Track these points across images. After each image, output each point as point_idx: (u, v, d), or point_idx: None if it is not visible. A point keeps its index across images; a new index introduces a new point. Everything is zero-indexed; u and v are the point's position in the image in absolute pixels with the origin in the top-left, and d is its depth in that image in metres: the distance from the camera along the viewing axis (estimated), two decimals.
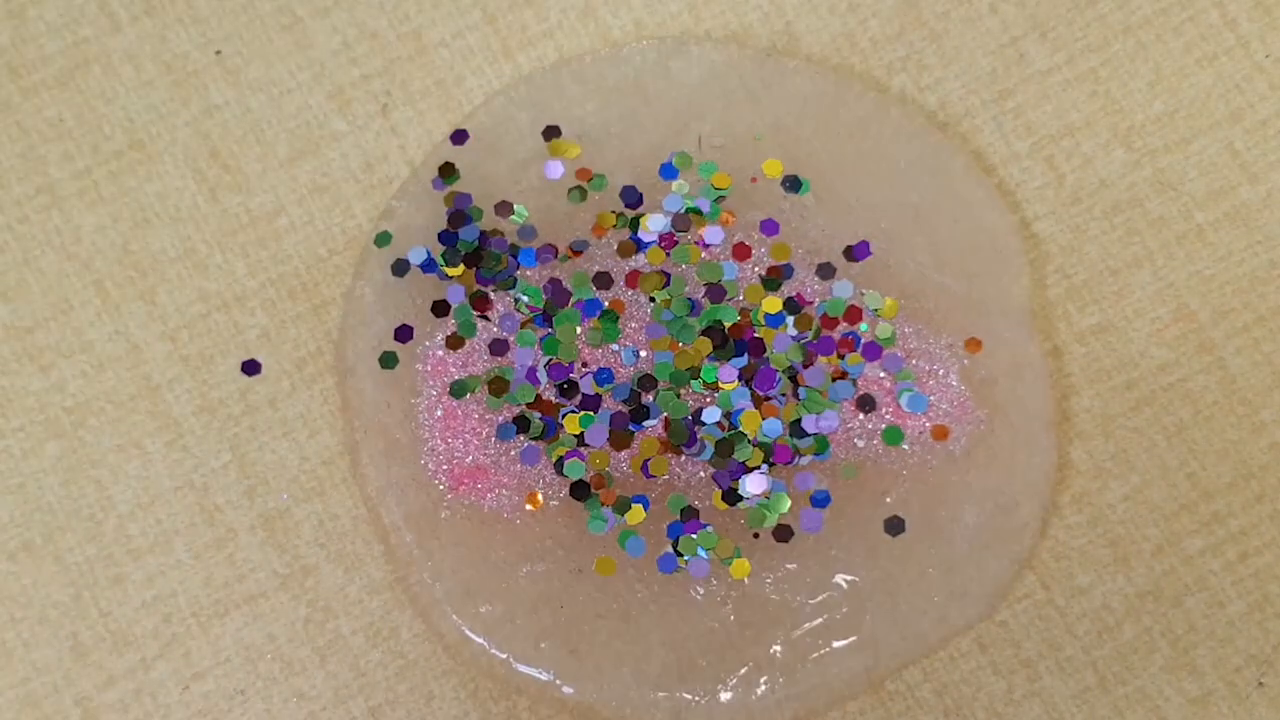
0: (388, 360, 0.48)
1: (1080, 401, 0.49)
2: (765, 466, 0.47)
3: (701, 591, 0.46)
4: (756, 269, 0.49)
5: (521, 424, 0.47)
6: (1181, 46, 0.51)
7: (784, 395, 0.47)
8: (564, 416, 0.47)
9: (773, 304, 0.48)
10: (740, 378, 0.47)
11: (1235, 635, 0.47)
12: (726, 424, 0.47)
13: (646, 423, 0.47)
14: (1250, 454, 0.49)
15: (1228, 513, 0.48)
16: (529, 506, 0.47)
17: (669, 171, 0.50)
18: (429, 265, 0.49)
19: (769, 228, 0.49)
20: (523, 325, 0.48)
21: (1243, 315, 0.50)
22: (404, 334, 0.49)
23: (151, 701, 0.48)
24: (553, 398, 0.48)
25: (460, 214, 0.49)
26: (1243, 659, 0.47)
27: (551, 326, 0.48)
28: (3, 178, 0.51)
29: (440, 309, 0.49)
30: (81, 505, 0.49)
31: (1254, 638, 0.47)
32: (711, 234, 0.49)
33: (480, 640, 0.46)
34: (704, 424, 0.47)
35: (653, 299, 0.48)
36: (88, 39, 0.52)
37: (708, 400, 0.47)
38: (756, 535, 0.47)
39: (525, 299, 0.49)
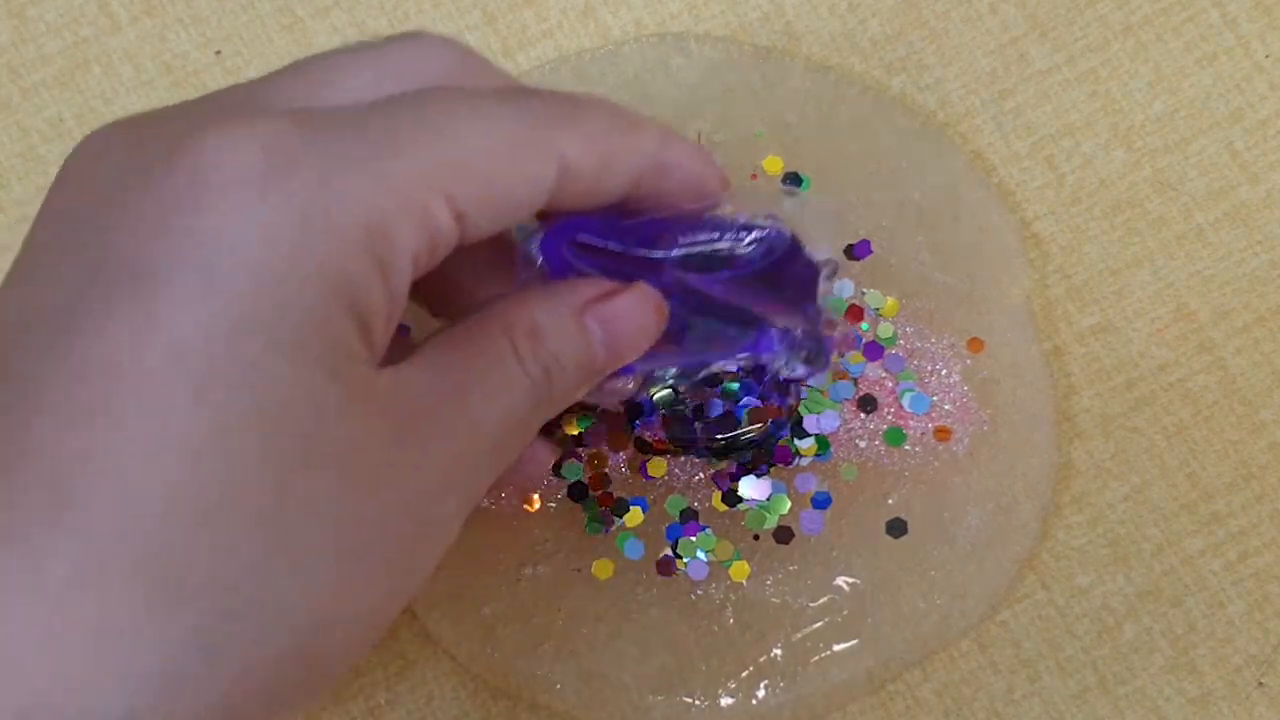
0: None
1: (1080, 401, 0.49)
2: (765, 468, 0.47)
3: (701, 594, 0.46)
4: None
5: None
6: (1181, 46, 0.51)
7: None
8: (563, 417, 0.47)
9: None
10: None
11: (1235, 635, 0.47)
12: None
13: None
14: (1250, 454, 0.48)
15: (1228, 513, 0.48)
16: (527, 508, 0.47)
17: None
18: None
19: None
20: None
21: (1243, 315, 0.49)
22: (401, 334, 0.48)
23: None
24: None
25: None
26: (1243, 659, 0.47)
27: None
28: (3, 178, 0.51)
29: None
30: None
31: (1254, 638, 0.47)
32: None
33: (480, 641, 0.47)
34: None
35: None
36: (88, 39, 0.52)
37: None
38: (756, 537, 0.47)
39: None
